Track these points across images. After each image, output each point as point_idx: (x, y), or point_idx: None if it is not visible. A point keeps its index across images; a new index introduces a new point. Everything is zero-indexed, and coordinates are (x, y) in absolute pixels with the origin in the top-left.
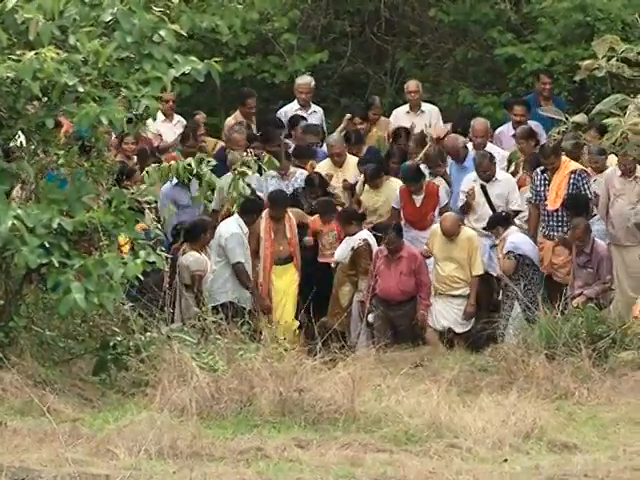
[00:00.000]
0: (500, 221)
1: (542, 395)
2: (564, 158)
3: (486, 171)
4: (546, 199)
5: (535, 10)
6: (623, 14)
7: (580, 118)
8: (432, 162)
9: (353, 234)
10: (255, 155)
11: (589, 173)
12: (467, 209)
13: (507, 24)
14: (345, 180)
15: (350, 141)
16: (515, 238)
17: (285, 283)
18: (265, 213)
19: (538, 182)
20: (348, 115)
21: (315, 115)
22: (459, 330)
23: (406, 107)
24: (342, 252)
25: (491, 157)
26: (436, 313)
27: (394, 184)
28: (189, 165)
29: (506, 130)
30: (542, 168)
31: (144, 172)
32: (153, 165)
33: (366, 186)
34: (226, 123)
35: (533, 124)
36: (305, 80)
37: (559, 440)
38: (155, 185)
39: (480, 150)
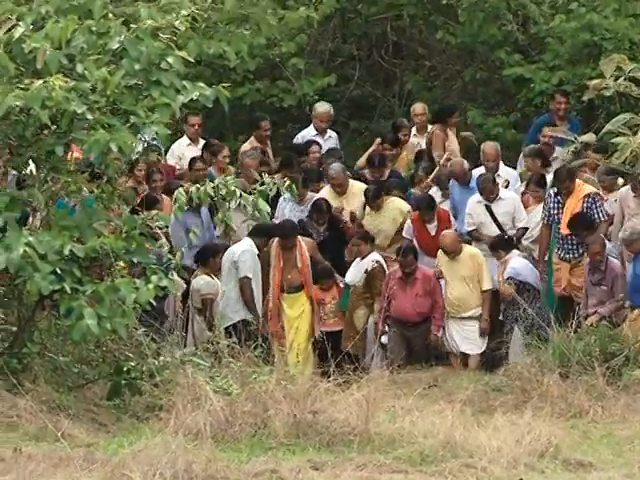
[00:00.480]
0: (502, 244)
1: (556, 414)
2: (578, 181)
3: (491, 193)
4: (559, 222)
5: (542, 30)
6: (630, 33)
7: (588, 137)
8: (443, 184)
9: (365, 256)
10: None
11: (602, 196)
12: (477, 236)
13: (515, 45)
14: (352, 212)
15: (373, 164)
16: (516, 264)
17: (296, 312)
18: (275, 241)
19: (552, 204)
20: (378, 139)
21: (330, 140)
22: (472, 352)
23: (413, 129)
24: (354, 275)
25: (494, 179)
26: (449, 337)
27: (396, 203)
28: (215, 187)
29: None
30: (555, 190)
31: (174, 195)
32: (180, 189)
33: (367, 208)
34: (241, 149)
35: (559, 151)
36: (325, 108)
37: (574, 458)
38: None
39: (491, 173)
